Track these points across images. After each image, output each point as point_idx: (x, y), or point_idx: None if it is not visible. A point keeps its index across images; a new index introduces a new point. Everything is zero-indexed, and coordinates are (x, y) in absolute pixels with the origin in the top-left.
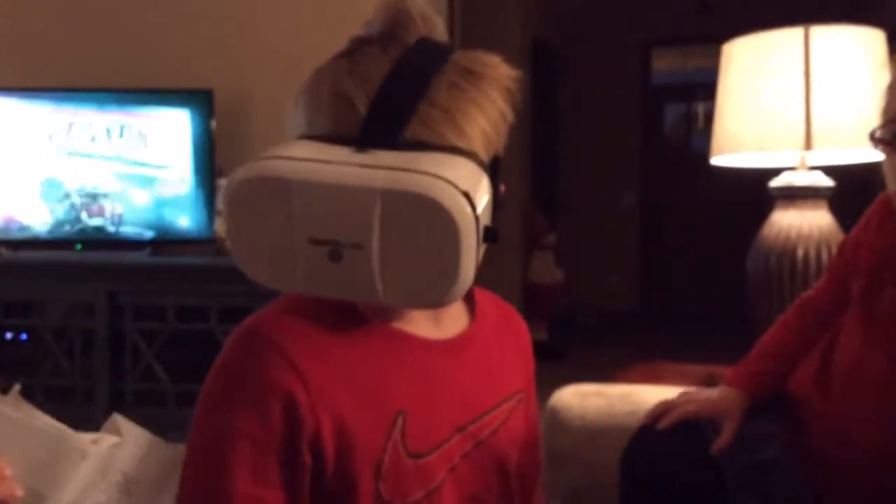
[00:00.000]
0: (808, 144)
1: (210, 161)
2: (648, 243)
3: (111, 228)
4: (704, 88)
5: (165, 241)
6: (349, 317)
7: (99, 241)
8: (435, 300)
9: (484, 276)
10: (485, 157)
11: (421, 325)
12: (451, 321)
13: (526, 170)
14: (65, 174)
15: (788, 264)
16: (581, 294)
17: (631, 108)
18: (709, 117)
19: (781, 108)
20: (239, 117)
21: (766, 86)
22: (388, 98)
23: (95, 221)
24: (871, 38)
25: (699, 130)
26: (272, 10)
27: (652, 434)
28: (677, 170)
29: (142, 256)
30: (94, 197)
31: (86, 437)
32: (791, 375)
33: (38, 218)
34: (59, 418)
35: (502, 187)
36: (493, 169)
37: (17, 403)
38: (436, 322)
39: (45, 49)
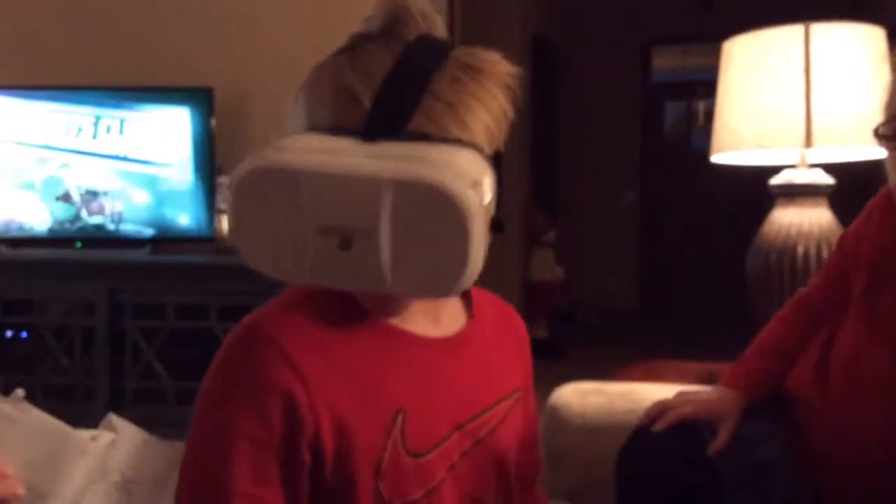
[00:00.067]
0: (808, 142)
1: (210, 159)
2: (648, 243)
3: (111, 226)
4: (705, 86)
5: (165, 240)
6: (349, 314)
7: (99, 239)
8: (443, 290)
9: (484, 273)
10: (488, 150)
11: (420, 322)
12: (449, 319)
13: (526, 168)
14: (65, 172)
15: (789, 262)
16: (581, 294)
17: (631, 106)
18: (709, 115)
19: (782, 105)
20: (239, 115)
21: (767, 83)
22: (392, 92)
23: (95, 219)
24: (871, 36)
25: (699, 128)
26: (272, 9)
27: (649, 434)
28: (677, 169)
29: (142, 254)
30: (94, 195)
31: (85, 434)
32: (789, 372)
33: (38, 216)
34: (60, 416)
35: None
36: (495, 164)
37: (17, 402)
38: (434, 320)
39: (46, 47)
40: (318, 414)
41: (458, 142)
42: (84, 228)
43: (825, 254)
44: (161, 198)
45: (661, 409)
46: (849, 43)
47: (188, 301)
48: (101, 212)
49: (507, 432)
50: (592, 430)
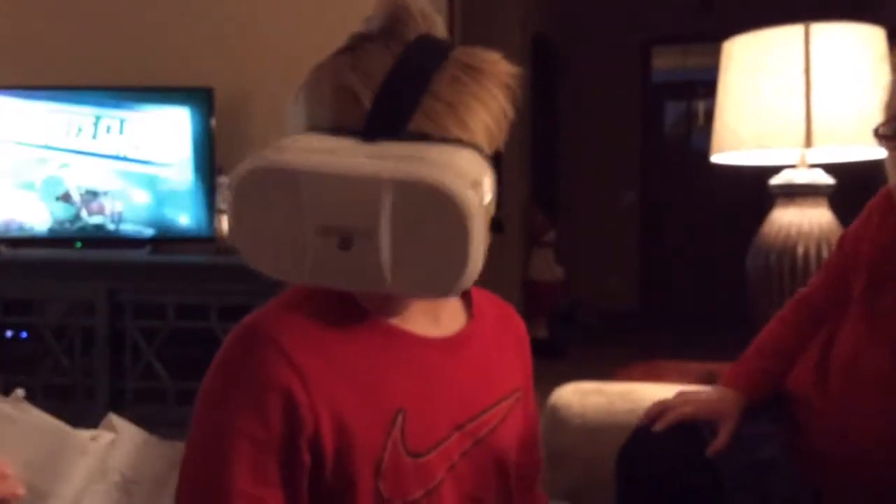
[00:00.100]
0: (808, 142)
1: (210, 159)
2: (648, 243)
3: (111, 226)
4: (705, 86)
5: (165, 239)
6: (349, 314)
7: (99, 239)
8: (443, 290)
9: (484, 273)
10: (488, 150)
11: (419, 322)
12: (449, 319)
13: (526, 168)
14: (65, 172)
15: (789, 262)
16: (581, 294)
17: (631, 106)
18: (709, 115)
19: (782, 105)
20: (239, 115)
21: (767, 83)
22: (392, 92)
23: (95, 219)
24: (871, 36)
25: (699, 128)
26: (272, 9)
27: (649, 434)
28: (677, 169)
29: (142, 254)
30: (94, 195)
31: (85, 434)
32: (789, 373)
33: (38, 216)
34: (60, 416)
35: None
36: (495, 164)
37: (17, 402)
38: (434, 320)
39: (46, 47)
40: (318, 414)
41: (458, 142)
42: (84, 228)
43: (825, 254)
44: (161, 198)
45: (661, 409)
46: (849, 43)
47: (188, 301)
48: (101, 212)
49: (507, 432)
50: (592, 430)
